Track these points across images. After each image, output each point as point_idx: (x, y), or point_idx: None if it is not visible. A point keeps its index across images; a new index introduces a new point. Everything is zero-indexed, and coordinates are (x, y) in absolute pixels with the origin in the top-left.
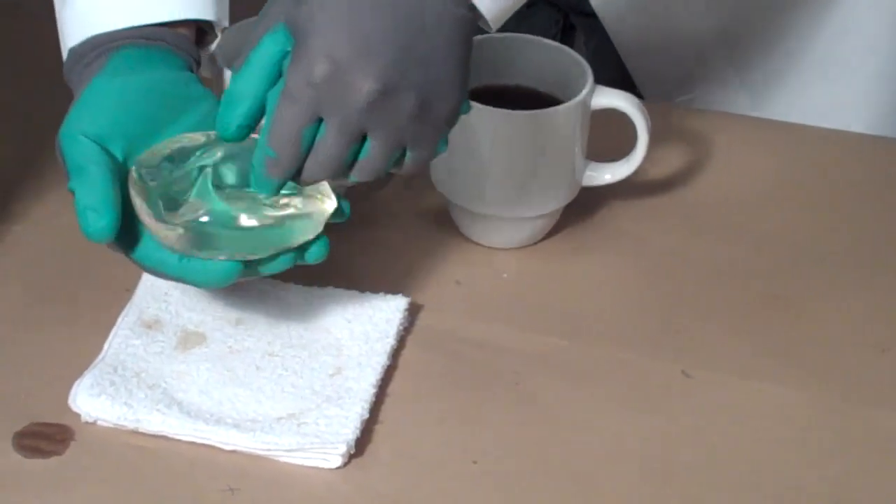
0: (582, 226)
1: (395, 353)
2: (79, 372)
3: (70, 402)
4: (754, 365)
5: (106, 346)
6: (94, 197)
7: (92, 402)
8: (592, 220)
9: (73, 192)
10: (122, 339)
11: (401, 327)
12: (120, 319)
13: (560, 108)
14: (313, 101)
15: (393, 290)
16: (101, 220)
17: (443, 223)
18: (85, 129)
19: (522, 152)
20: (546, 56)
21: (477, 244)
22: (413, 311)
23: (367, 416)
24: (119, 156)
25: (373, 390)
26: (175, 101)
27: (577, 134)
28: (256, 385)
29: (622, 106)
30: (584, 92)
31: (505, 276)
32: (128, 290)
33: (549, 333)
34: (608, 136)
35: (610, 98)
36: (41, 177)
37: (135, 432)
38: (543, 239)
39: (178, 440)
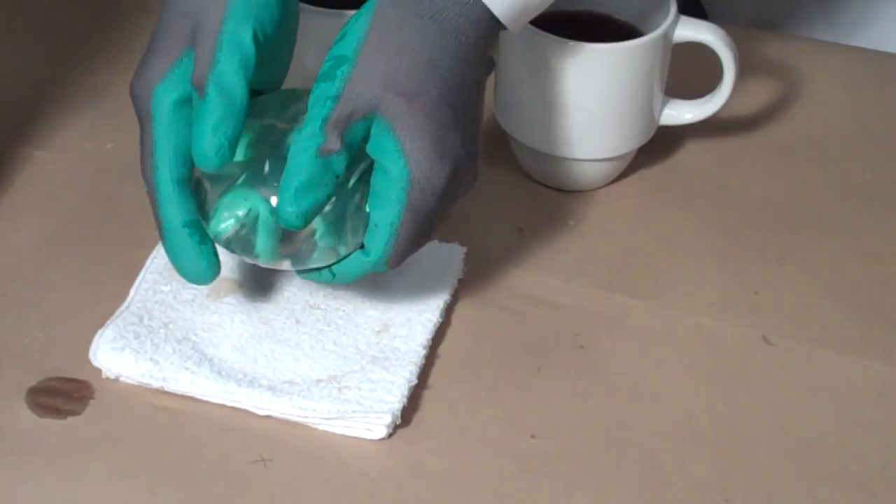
0: (657, 168)
1: (448, 309)
2: (101, 321)
3: (90, 355)
4: (847, 335)
5: (132, 291)
6: (230, 123)
7: (114, 356)
8: (669, 161)
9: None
10: (150, 285)
11: (455, 280)
12: (148, 262)
13: (639, 41)
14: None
15: (448, 236)
16: (229, 151)
17: (505, 162)
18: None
19: (595, 89)
20: None
21: (542, 185)
22: (469, 261)
23: (415, 381)
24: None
25: (423, 352)
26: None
27: (657, 69)
28: (295, 341)
29: (708, 40)
30: (667, 23)
31: (572, 223)
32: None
33: (617, 290)
34: (688, 70)
35: (695, 30)
36: (64, 98)
37: (160, 391)
38: (615, 181)
39: (208, 402)
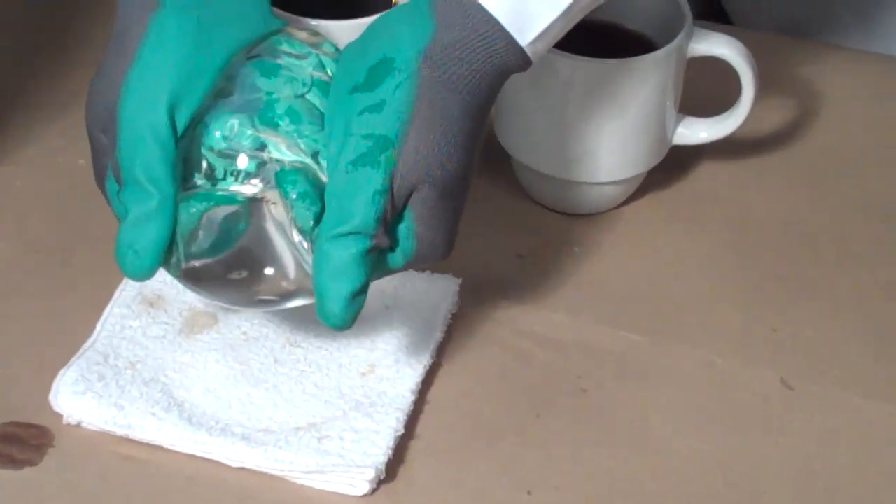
0: (669, 190)
1: (439, 347)
2: (65, 357)
3: (51, 398)
4: (873, 378)
5: (98, 326)
6: (149, 234)
7: (76, 400)
8: (682, 182)
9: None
10: (118, 319)
11: (448, 315)
12: (117, 293)
13: (651, 56)
14: None
15: (441, 267)
16: (145, 261)
17: (505, 182)
18: (157, 95)
19: (603, 107)
20: None
21: (545, 208)
22: (464, 293)
23: (402, 430)
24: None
25: (411, 397)
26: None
27: (670, 85)
28: (273, 383)
29: (727, 55)
30: (681, 36)
31: (576, 250)
32: None
33: (624, 326)
34: (703, 84)
35: (711, 45)
36: (33, 107)
37: (125, 439)
38: (623, 204)
39: (177, 452)
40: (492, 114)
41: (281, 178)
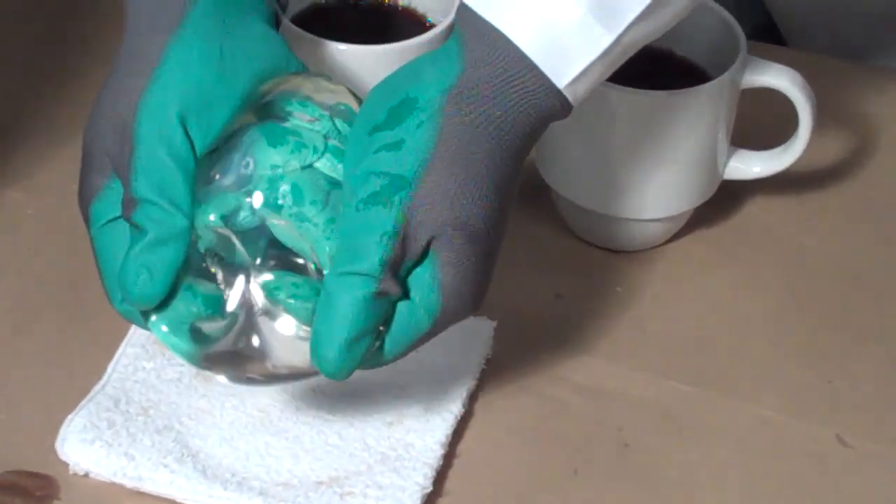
0: (719, 227)
1: (472, 395)
2: (75, 401)
3: (57, 446)
4: None
5: (109, 368)
6: (167, 255)
7: (84, 449)
8: (732, 219)
9: (132, 206)
10: (131, 360)
11: (482, 360)
12: (131, 331)
13: (702, 88)
14: None
15: None
16: (157, 284)
17: (544, 214)
18: (177, 117)
19: (651, 140)
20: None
21: (586, 244)
22: (497, 335)
23: (430, 488)
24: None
25: (440, 451)
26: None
27: (723, 118)
28: (294, 434)
29: (784, 87)
30: (735, 66)
31: (619, 290)
32: None
33: (669, 375)
34: (757, 115)
35: (768, 76)
36: (47, 131)
37: (136, 492)
38: (670, 241)
39: None
40: None
41: (268, 288)
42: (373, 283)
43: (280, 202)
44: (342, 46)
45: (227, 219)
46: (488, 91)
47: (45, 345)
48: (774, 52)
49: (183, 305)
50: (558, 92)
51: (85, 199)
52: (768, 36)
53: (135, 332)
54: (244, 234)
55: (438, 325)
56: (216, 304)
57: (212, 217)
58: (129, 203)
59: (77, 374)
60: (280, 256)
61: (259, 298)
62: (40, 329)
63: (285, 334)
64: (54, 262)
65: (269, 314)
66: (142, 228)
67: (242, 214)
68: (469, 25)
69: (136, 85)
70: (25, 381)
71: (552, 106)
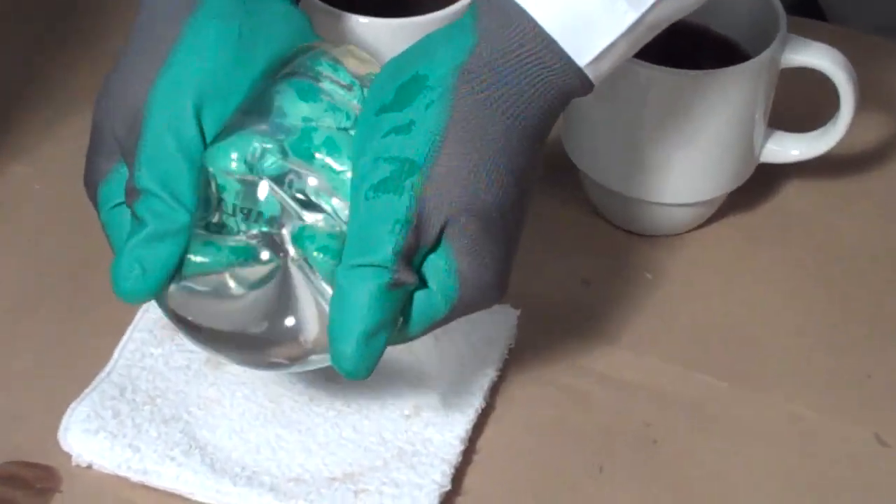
0: (753, 212)
1: (492, 387)
2: (78, 388)
3: (60, 436)
4: None
5: (116, 353)
6: (162, 252)
7: (87, 440)
8: (767, 203)
9: (133, 194)
10: (138, 346)
11: (505, 350)
12: (139, 315)
13: (740, 67)
14: None
15: None
16: (150, 282)
17: (571, 195)
18: (189, 105)
19: (684, 120)
20: None
21: (615, 227)
22: (519, 323)
23: (448, 486)
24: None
25: (459, 447)
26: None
27: (760, 99)
28: (306, 426)
29: (825, 67)
30: (775, 44)
31: (648, 276)
32: None
33: (700, 368)
34: (795, 95)
35: (809, 55)
36: (55, 102)
37: (140, 485)
38: (702, 226)
39: (196, 501)
40: (557, 125)
41: (298, 236)
42: (386, 274)
43: (313, 152)
44: (363, 19)
45: (250, 164)
46: (503, 67)
47: (50, 328)
48: (815, 28)
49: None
50: (578, 70)
51: (92, 181)
52: (808, 11)
53: (143, 316)
54: (271, 181)
55: (456, 312)
56: (248, 253)
57: (234, 158)
58: (132, 192)
59: (82, 360)
60: (308, 207)
61: (291, 249)
62: (45, 311)
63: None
64: (62, 242)
65: (304, 273)
66: (141, 220)
67: (270, 160)
68: None
69: (149, 68)
70: (28, 366)
71: (572, 84)
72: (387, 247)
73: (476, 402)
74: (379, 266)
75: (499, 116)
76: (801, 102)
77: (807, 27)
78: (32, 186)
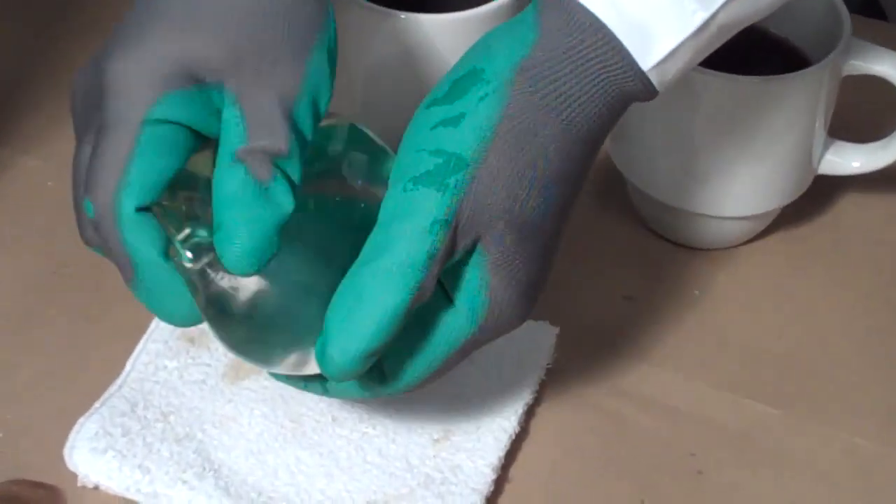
0: (809, 225)
1: (527, 410)
2: (87, 402)
3: (66, 453)
4: None
5: (128, 365)
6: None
7: (94, 459)
8: (824, 217)
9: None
10: (152, 358)
11: (542, 371)
12: (153, 325)
13: (800, 74)
14: None
15: (537, 310)
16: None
17: (618, 208)
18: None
19: (739, 129)
20: None
21: (662, 239)
22: (559, 343)
23: None
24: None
25: (491, 475)
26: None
27: (821, 107)
28: (329, 448)
29: (890, 75)
30: (838, 50)
31: (696, 293)
32: None
33: (749, 394)
34: (856, 102)
35: (873, 62)
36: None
37: None
38: (754, 239)
39: None
40: None
41: None
42: (413, 285)
43: None
44: (402, 15)
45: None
46: (563, 65)
47: (59, 335)
48: (878, 28)
49: None
50: (641, 73)
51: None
52: (868, 10)
53: (157, 326)
54: None
55: (482, 335)
56: None
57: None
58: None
59: (92, 371)
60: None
61: None
62: (55, 315)
63: None
64: (75, 242)
65: None
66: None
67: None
68: None
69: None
70: (35, 375)
71: (633, 89)
72: (421, 247)
73: (510, 427)
74: (408, 270)
75: (553, 118)
76: (863, 110)
77: (869, 28)
78: (45, 183)
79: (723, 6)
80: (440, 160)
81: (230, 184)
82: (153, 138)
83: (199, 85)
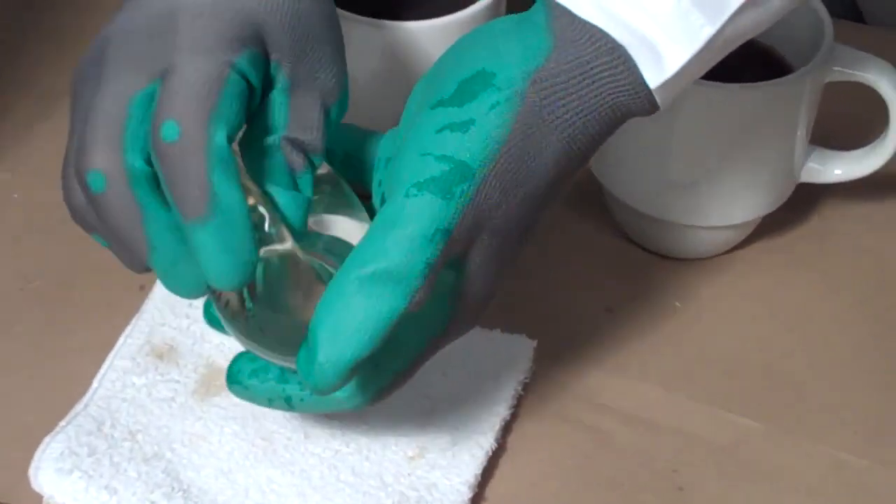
0: (790, 234)
1: (505, 426)
2: (52, 420)
3: (31, 474)
4: None
5: (95, 383)
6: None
7: (60, 480)
8: (806, 224)
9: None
10: (119, 374)
11: (519, 386)
12: (121, 340)
13: (781, 81)
14: None
15: (513, 322)
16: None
17: (595, 218)
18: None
19: (719, 137)
20: None
21: (642, 249)
22: (537, 357)
23: None
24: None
25: (467, 493)
26: None
27: (803, 114)
28: (301, 467)
29: (873, 81)
30: (820, 56)
31: (677, 304)
32: (143, 287)
33: (732, 407)
34: (837, 108)
35: (857, 68)
36: (37, 100)
37: None
38: (736, 248)
39: None
40: None
41: None
42: (409, 294)
43: None
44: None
45: None
46: (575, 80)
47: (24, 351)
48: (859, 32)
49: None
50: (648, 92)
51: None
52: (846, 14)
53: (126, 340)
54: None
55: (444, 341)
56: None
57: None
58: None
59: (58, 388)
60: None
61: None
62: (17, 334)
63: None
64: (40, 256)
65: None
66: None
67: None
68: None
69: None
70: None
71: (638, 107)
72: (419, 257)
73: (487, 444)
74: (403, 281)
75: (557, 135)
76: (845, 117)
77: (850, 32)
78: (10, 195)
79: (729, 20)
80: (446, 167)
81: (270, 162)
82: (235, 84)
83: (265, 57)
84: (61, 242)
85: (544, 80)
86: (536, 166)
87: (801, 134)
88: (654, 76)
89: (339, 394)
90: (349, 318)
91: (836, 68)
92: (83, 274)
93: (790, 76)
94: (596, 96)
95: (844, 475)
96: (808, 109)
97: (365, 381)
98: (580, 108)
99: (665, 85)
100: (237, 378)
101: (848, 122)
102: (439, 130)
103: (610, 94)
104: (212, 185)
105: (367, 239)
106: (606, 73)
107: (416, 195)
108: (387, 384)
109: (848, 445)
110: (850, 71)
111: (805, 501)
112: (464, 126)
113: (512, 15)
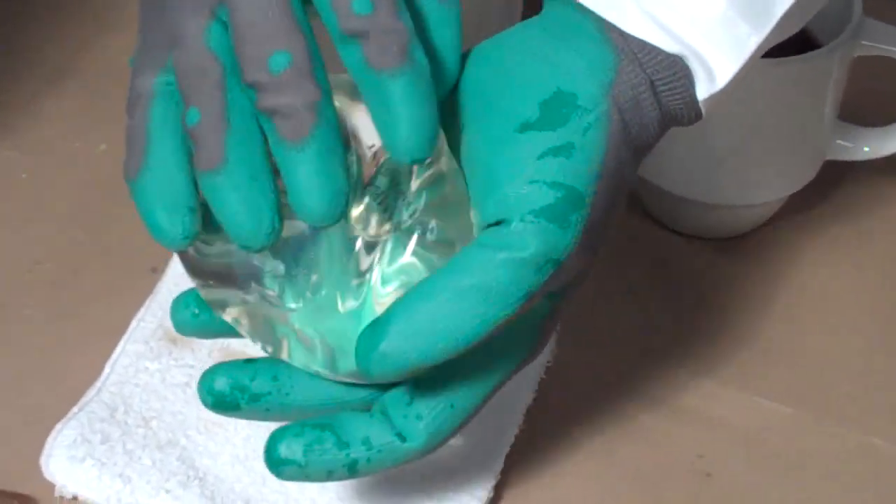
0: (818, 213)
1: (528, 411)
2: (64, 406)
3: (42, 461)
4: None
5: (107, 368)
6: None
7: (72, 468)
8: (834, 201)
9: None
10: (132, 360)
11: (542, 370)
12: (133, 324)
13: (809, 56)
14: None
15: None
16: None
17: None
18: None
19: (745, 115)
20: None
21: (666, 229)
22: (560, 339)
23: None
24: None
25: (492, 477)
26: None
27: (831, 89)
28: None
29: None
30: (848, 30)
31: (702, 285)
32: (155, 269)
33: (760, 391)
34: (867, 83)
35: (885, 42)
36: (46, 77)
37: None
38: (761, 227)
39: None
40: None
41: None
42: (504, 315)
43: None
44: None
45: None
46: (644, 95)
47: (35, 335)
48: (889, 5)
49: None
50: (697, 104)
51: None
52: None
53: (139, 324)
54: None
55: (522, 367)
56: None
57: None
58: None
59: (70, 374)
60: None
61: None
62: (27, 318)
63: None
64: (50, 237)
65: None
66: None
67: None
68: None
69: None
70: (9, 379)
71: (682, 118)
72: (525, 283)
73: (511, 428)
74: (499, 303)
75: (632, 155)
76: (875, 93)
77: (878, 5)
78: (19, 175)
79: (775, 26)
80: (560, 194)
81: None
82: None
83: None
84: (71, 224)
85: (619, 97)
86: (623, 185)
87: (830, 110)
88: (705, 88)
89: (409, 443)
90: (428, 321)
91: (865, 42)
92: (94, 256)
93: (819, 51)
94: (655, 110)
95: (873, 460)
96: (837, 85)
97: (440, 424)
98: (645, 121)
99: (712, 97)
100: (289, 458)
101: (878, 98)
102: (541, 156)
103: (669, 106)
104: (322, 93)
105: (472, 252)
106: (667, 87)
107: (533, 222)
108: (459, 425)
109: (877, 429)
110: (880, 45)
111: (834, 486)
112: (566, 151)
113: (530, 23)
